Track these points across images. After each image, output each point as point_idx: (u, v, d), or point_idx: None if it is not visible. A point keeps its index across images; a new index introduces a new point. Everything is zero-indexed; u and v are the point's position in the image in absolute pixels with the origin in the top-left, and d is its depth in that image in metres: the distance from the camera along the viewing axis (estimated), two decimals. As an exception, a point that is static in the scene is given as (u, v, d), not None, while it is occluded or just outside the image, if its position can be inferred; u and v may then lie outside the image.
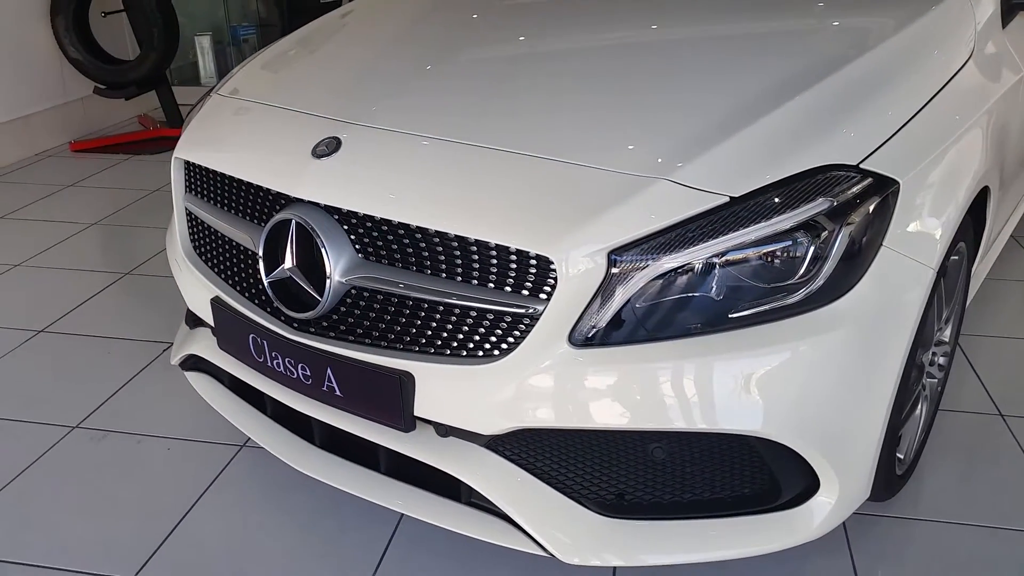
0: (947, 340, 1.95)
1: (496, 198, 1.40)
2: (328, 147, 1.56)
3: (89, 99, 4.96)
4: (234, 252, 1.74)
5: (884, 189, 1.40)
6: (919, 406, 1.86)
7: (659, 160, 1.39)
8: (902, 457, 1.82)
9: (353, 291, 1.51)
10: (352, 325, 1.51)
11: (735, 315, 1.34)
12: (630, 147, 1.44)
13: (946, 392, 2.19)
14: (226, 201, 1.75)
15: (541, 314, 1.34)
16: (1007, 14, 2.01)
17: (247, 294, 1.70)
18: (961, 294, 1.94)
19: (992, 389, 2.32)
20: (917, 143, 1.51)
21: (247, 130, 1.80)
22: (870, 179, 1.39)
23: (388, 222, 1.45)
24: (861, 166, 1.40)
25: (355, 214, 1.48)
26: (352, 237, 1.50)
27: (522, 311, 1.36)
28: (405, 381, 1.44)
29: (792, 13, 1.94)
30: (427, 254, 1.43)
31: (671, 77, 1.66)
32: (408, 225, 1.43)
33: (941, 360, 1.95)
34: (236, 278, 1.73)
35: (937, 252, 1.50)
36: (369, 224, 1.47)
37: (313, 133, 1.61)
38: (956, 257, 1.81)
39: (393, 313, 1.47)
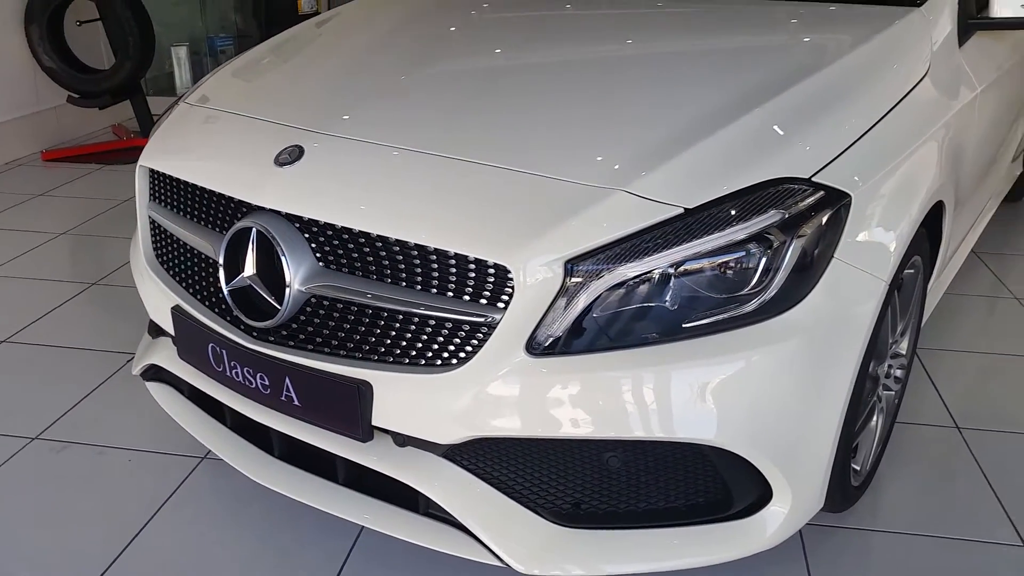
0: (904, 353, 1.98)
1: (456, 208, 1.42)
2: (291, 155, 1.56)
3: (62, 108, 4.93)
4: (196, 261, 1.74)
5: (836, 202, 1.43)
6: (875, 417, 1.88)
7: (617, 171, 1.41)
8: (858, 468, 1.84)
9: (313, 300, 1.51)
10: (311, 334, 1.51)
11: (689, 325, 1.36)
12: (589, 158, 1.46)
13: (905, 405, 2.23)
14: (189, 209, 1.75)
15: (498, 323, 1.35)
16: (963, 33, 2.05)
17: (207, 303, 1.69)
18: (917, 307, 1.97)
19: (950, 403, 2.35)
20: (870, 157, 1.54)
21: (212, 138, 1.80)
22: (822, 192, 1.42)
23: (349, 231, 1.45)
24: (813, 179, 1.42)
25: (316, 223, 1.48)
26: (313, 246, 1.50)
27: (480, 320, 1.37)
28: (363, 390, 1.44)
29: (752, 30, 1.98)
30: (387, 263, 1.44)
31: (633, 91, 1.69)
32: (369, 234, 1.43)
33: (898, 372, 1.98)
34: (197, 287, 1.73)
35: (890, 265, 1.53)
36: (330, 233, 1.48)
37: (277, 142, 1.61)
38: (911, 271, 1.84)
39: (352, 322, 1.47)
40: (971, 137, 2.03)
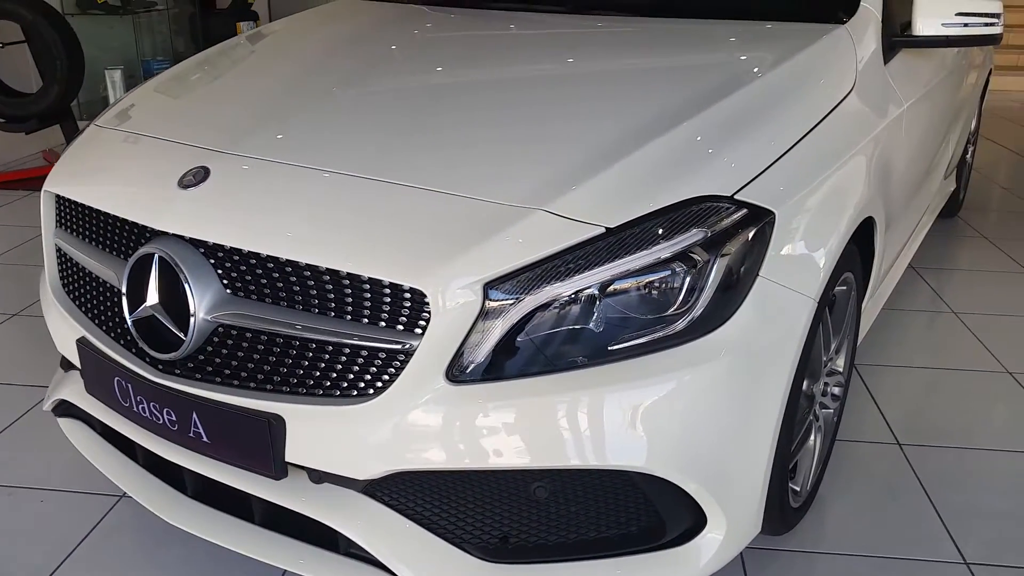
0: (840, 370, 1.96)
1: (370, 230, 1.35)
2: (196, 177, 1.49)
3: (-11, 133, 4.75)
4: (101, 290, 1.64)
5: (759, 220, 1.40)
6: (813, 437, 1.85)
7: (537, 190, 1.36)
8: (798, 489, 1.80)
9: (220, 329, 1.43)
10: (219, 366, 1.43)
11: (615, 347, 1.31)
12: (509, 177, 1.41)
13: (845, 422, 2.21)
14: (93, 236, 1.65)
15: (416, 350, 1.29)
16: (888, 51, 2.06)
17: (113, 334, 1.60)
18: (852, 324, 1.96)
19: (891, 419, 2.34)
20: (795, 173, 1.52)
21: (118, 161, 1.71)
22: (745, 210, 1.38)
23: (256, 255, 1.38)
24: (736, 196, 1.39)
25: (221, 247, 1.41)
26: (219, 272, 1.42)
27: (397, 347, 1.30)
28: (274, 424, 1.36)
29: (678, 48, 1.96)
30: (298, 289, 1.36)
31: (559, 110, 1.65)
32: (277, 259, 1.36)
33: (835, 390, 1.95)
34: (103, 318, 1.63)
35: (818, 282, 1.50)
36: (237, 258, 1.40)
37: (183, 163, 1.53)
38: (843, 287, 1.82)
39: (262, 352, 1.39)
40: (900, 152, 2.04)
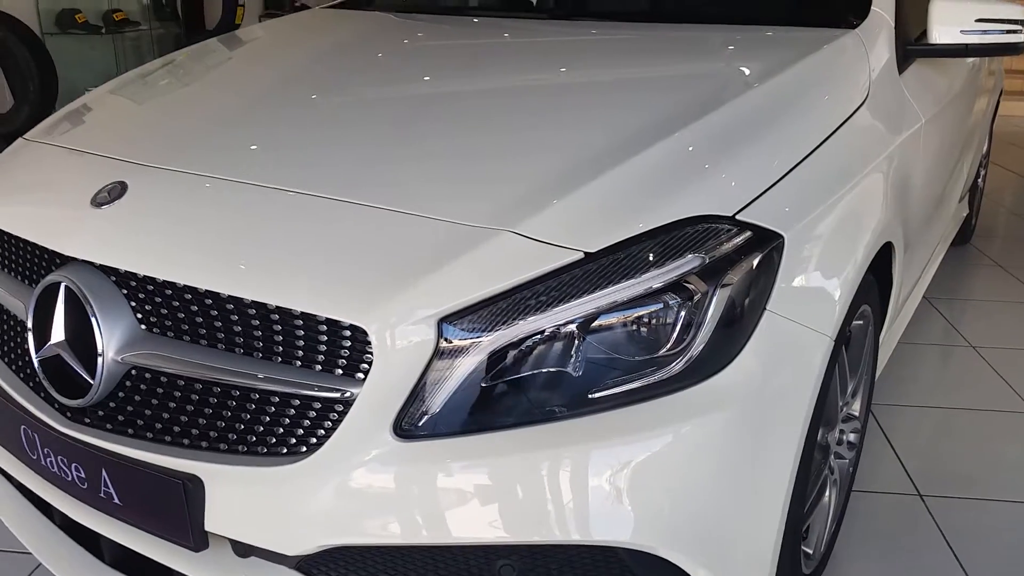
0: (857, 415, 1.74)
1: (305, 255, 1.15)
2: (111, 194, 1.28)
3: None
4: (11, 324, 1.43)
5: (766, 244, 1.19)
6: (828, 492, 1.63)
7: (505, 209, 1.16)
8: (810, 552, 1.58)
9: (134, 372, 1.21)
10: (132, 415, 1.21)
11: (598, 394, 1.10)
12: (473, 195, 1.21)
13: (860, 470, 1.99)
14: (4, 262, 1.45)
15: (356, 399, 1.07)
16: (903, 60, 1.87)
17: (22, 375, 1.39)
18: (869, 362, 1.75)
19: (910, 466, 2.12)
20: (804, 193, 1.31)
21: (36, 177, 1.51)
22: (749, 232, 1.18)
23: (173, 285, 1.17)
24: (738, 217, 1.19)
25: (135, 275, 1.20)
26: (133, 304, 1.21)
27: (334, 395, 1.09)
28: (190, 486, 1.14)
29: (670, 57, 1.76)
30: (220, 325, 1.15)
31: (535, 121, 1.45)
32: (196, 289, 1.15)
33: (851, 437, 1.74)
34: (11, 356, 1.42)
35: (834, 317, 1.29)
36: (151, 288, 1.19)
37: (99, 178, 1.33)
38: (860, 322, 1.61)
39: (179, 400, 1.18)
40: (918, 171, 1.84)
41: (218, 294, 1.14)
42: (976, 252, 3.82)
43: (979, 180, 3.73)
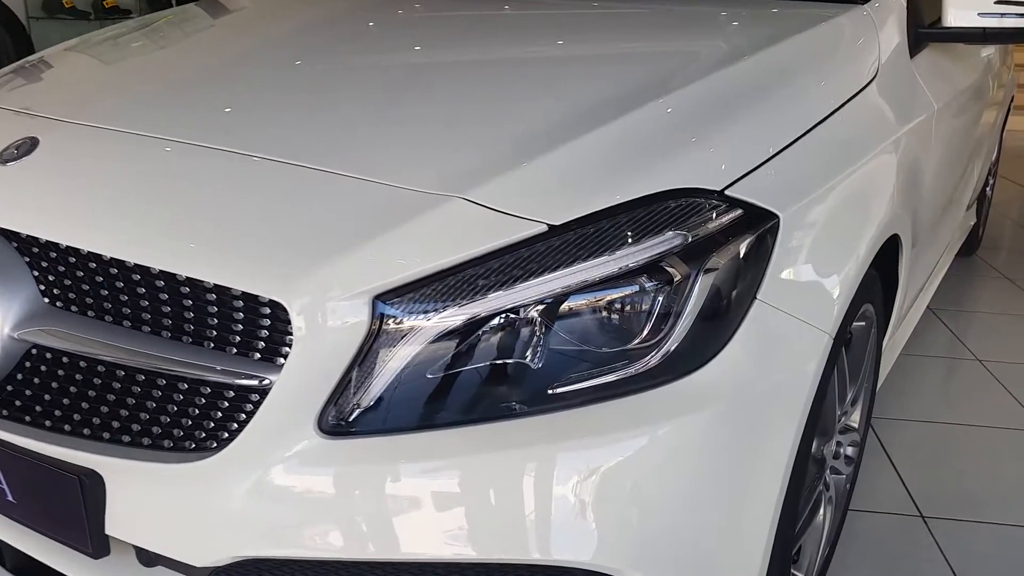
0: (856, 426, 1.59)
1: (225, 220, 1.00)
2: (19, 150, 1.14)
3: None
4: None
5: (758, 225, 1.04)
6: (822, 510, 1.48)
7: (457, 175, 1.01)
8: (801, 577, 1.43)
9: (34, 351, 1.06)
10: (30, 401, 1.06)
11: (561, 389, 0.95)
12: (424, 159, 1.06)
13: (858, 488, 1.83)
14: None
15: (272, 387, 0.92)
16: (915, 44, 1.73)
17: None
18: (871, 368, 1.59)
19: (912, 485, 1.96)
20: (804, 170, 1.16)
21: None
22: (739, 210, 1.03)
23: (77, 252, 1.02)
24: (727, 193, 1.04)
25: (37, 241, 1.05)
26: (36, 274, 1.06)
27: (251, 383, 0.94)
28: (89, 483, 0.99)
29: (662, 29, 1.61)
30: (126, 299, 1.01)
31: (513, 92, 1.29)
32: (100, 257, 1.00)
33: (849, 451, 1.58)
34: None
35: (834, 313, 1.14)
36: (55, 255, 1.05)
37: (9, 134, 1.19)
38: (862, 323, 1.46)
39: (81, 384, 1.03)
40: (929, 161, 1.69)
41: (124, 263, 0.99)
42: (982, 264, 3.67)
43: (987, 189, 3.59)
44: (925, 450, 2.14)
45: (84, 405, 1.02)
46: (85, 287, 1.03)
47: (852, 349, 1.45)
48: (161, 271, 0.97)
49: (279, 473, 0.93)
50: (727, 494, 1.02)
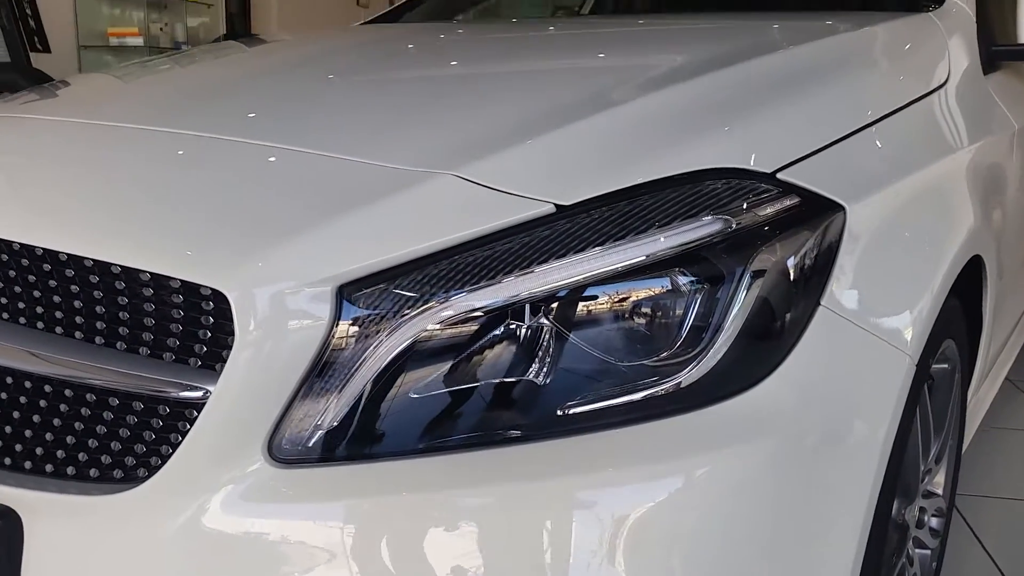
0: (940, 492, 1.34)
1: (167, 198, 0.85)
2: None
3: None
4: None
5: (820, 217, 0.85)
6: (905, 591, 1.22)
7: (446, 150, 0.85)
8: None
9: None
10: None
11: (573, 410, 0.76)
12: (414, 138, 0.91)
13: (946, 569, 1.55)
14: None
15: (207, 401, 0.75)
16: (988, 63, 1.55)
17: None
18: (956, 424, 1.35)
19: (1006, 567, 1.67)
20: (868, 164, 0.98)
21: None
22: (796, 198, 0.84)
23: None
24: (779, 176, 0.85)
25: None
26: None
27: (192, 394, 0.77)
28: (3, 524, 0.81)
29: (709, 36, 1.46)
30: (39, 295, 0.85)
31: (518, 84, 1.15)
32: (9, 243, 0.85)
33: (934, 522, 1.33)
34: None
35: (915, 333, 0.93)
36: None
37: None
38: (944, 365, 1.24)
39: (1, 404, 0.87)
40: (1012, 186, 1.48)
41: (33, 248, 0.83)
42: (1063, 334, 3.35)
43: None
44: (1018, 530, 1.84)
45: (7, 428, 0.85)
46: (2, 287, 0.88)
47: (935, 395, 1.22)
48: (93, 260, 0.81)
49: (215, 509, 0.74)
50: (787, 556, 0.80)
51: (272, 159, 0.87)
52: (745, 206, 0.81)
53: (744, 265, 0.79)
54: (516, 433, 0.76)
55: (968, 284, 1.24)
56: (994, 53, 1.58)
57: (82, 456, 0.81)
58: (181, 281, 0.76)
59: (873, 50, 1.22)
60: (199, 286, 0.75)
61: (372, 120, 0.97)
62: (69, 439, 0.82)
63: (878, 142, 1.01)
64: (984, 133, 1.36)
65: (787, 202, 0.84)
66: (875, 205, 0.93)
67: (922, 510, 1.27)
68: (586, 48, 1.34)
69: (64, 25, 4.94)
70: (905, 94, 1.15)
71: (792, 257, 0.82)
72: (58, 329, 0.85)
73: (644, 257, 0.76)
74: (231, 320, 0.74)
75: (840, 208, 0.87)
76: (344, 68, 1.33)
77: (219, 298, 0.75)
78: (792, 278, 0.82)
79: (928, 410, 1.16)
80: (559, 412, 0.76)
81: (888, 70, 1.19)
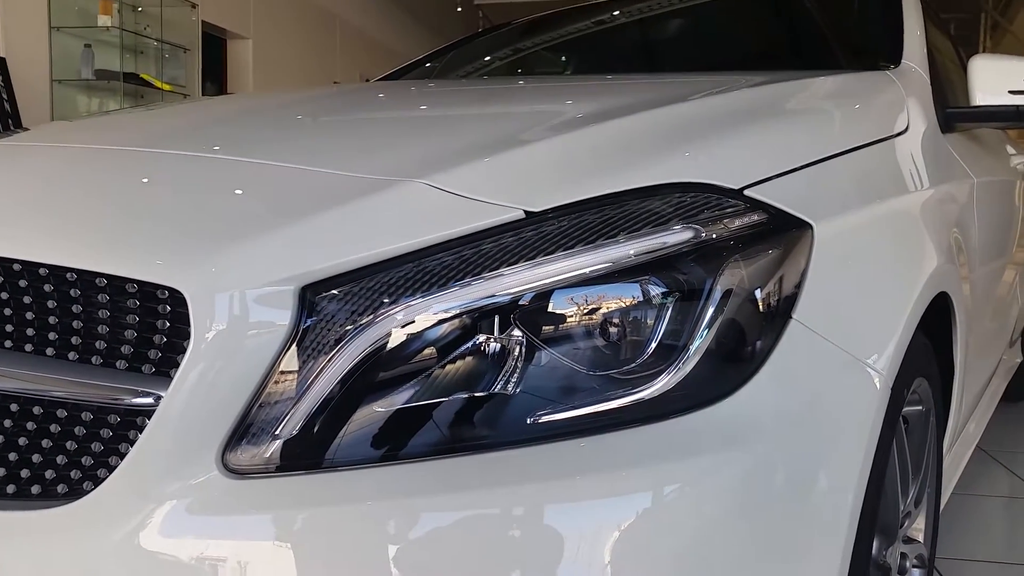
0: (920, 538, 1.30)
1: (132, 206, 0.83)
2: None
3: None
4: None
5: (788, 234, 0.85)
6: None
7: (418, 163, 0.85)
8: None
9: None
10: None
11: (543, 418, 0.73)
12: (384, 153, 0.91)
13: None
14: None
15: (157, 407, 0.71)
16: (944, 123, 1.59)
17: None
18: (934, 469, 1.33)
19: (992, 631, 1.62)
20: (838, 187, 0.99)
21: None
22: (764, 214, 0.85)
23: None
24: (747, 193, 0.86)
25: None
26: None
27: (143, 400, 0.73)
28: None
29: (679, 88, 1.50)
30: (8, 312, 0.82)
31: (514, 113, 1.16)
32: None
33: (916, 573, 1.29)
34: None
35: (888, 353, 0.92)
36: None
37: None
38: (919, 407, 1.23)
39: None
40: (972, 231, 1.51)
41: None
42: (1033, 408, 3.37)
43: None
44: (1001, 595, 1.80)
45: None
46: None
47: (911, 436, 1.20)
48: (51, 270, 0.78)
49: (159, 523, 0.70)
50: (759, 571, 0.77)
51: (231, 170, 0.86)
52: (714, 217, 0.81)
53: (714, 276, 0.79)
54: (482, 441, 0.73)
55: (939, 326, 1.25)
56: (949, 115, 1.63)
57: (24, 473, 0.76)
58: (137, 283, 0.74)
59: (836, 93, 1.26)
60: (156, 287, 0.73)
61: (343, 143, 0.97)
62: (12, 456, 0.77)
63: (844, 170, 1.03)
64: (945, 179, 1.39)
65: (755, 217, 0.84)
66: (842, 227, 0.94)
67: (903, 556, 1.23)
68: (558, 95, 1.37)
69: (42, 116, 4.91)
70: (869, 133, 1.18)
71: (762, 271, 0.82)
72: (7, 343, 0.82)
73: (612, 263, 0.75)
74: (188, 324, 0.72)
75: (808, 226, 0.87)
76: (315, 111, 1.35)
77: (176, 300, 0.73)
78: (763, 292, 0.81)
79: (905, 446, 1.14)
80: (528, 419, 0.74)
81: (851, 111, 1.22)
